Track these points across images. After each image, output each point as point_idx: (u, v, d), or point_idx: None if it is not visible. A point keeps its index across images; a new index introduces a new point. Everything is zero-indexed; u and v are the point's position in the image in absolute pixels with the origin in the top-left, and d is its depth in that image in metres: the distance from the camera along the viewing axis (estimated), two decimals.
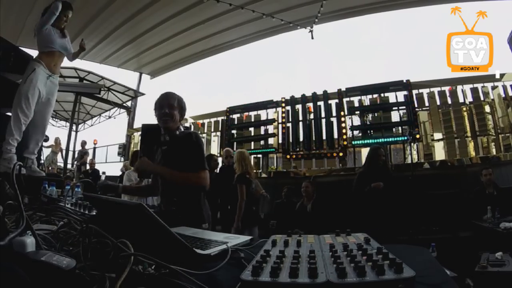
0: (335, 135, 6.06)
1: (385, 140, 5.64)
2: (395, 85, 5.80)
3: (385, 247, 0.60)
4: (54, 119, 10.71)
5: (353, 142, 5.81)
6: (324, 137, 6.12)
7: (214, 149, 7.33)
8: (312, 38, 6.89)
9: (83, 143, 8.90)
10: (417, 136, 5.40)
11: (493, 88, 5.28)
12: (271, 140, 6.62)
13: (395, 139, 5.66)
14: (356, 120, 5.94)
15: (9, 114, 2.63)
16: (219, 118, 7.39)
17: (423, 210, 4.13)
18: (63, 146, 8.61)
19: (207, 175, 1.66)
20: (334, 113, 6.16)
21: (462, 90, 5.53)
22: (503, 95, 5.14)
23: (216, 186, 3.32)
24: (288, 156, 6.28)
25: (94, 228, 0.67)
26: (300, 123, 6.33)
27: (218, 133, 7.37)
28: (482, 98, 5.36)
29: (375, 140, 5.67)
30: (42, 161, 3.62)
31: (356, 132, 5.92)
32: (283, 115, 6.52)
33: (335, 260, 0.53)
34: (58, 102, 9.50)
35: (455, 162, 5.05)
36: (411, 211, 3.97)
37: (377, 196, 3.47)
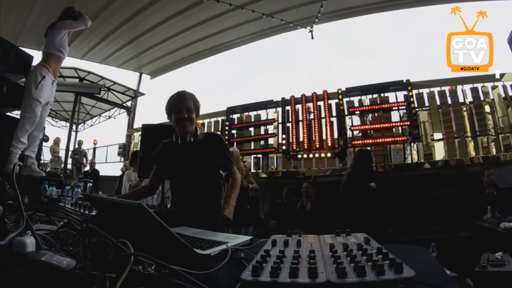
0: (335, 135, 6.06)
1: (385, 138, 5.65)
2: (395, 85, 5.80)
3: (385, 247, 0.60)
4: (54, 119, 10.71)
5: (353, 142, 5.82)
6: (324, 137, 6.12)
7: None
8: (312, 38, 6.90)
9: (80, 143, 8.88)
10: (417, 136, 5.40)
11: (493, 88, 5.28)
12: (271, 140, 6.62)
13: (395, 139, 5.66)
14: (356, 120, 5.95)
15: (9, 114, 2.65)
16: (219, 118, 7.39)
17: (423, 210, 4.13)
18: (63, 146, 8.61)
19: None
20: (334, 113, 6.17)
21: (462, 90, 5.54)
22: (503, 95, 5.14)
23: None
24: (288, 156, 6.28)
25: (94, 228, 0.67)
26: (300, 123, 6.33)
27: (218, 133, 7.37)
28: (482, 98, 5.36)
29: (375, 140, 5.68)
30: (42, 161, 3.63)
31: (356, 132, 5.92)
32: (283, 115, 6.52)
33: (335, 260, 0.53)
34: (58, 102, 9.51)
35: (455, 162, 5.05)
36: (411, 211, 3.97)
37: (367, 197, 3.51)
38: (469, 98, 5.45)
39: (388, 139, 5.67)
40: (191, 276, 0.54)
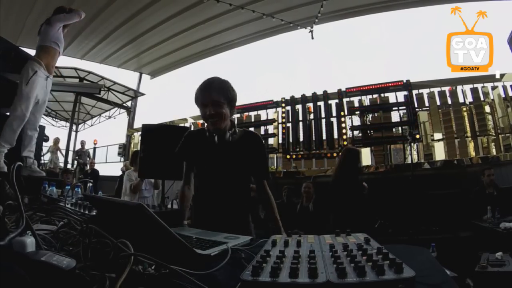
0: (335, 135, 6.06)
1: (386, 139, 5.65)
2: (395, 85, 5.80)
3: (385, 247, 0.60)
4: (54, 119, 10.71)
5: (353, 142, 5.82)
6: (324, 137, 6.12)
7: None
8: (312, 38, 6.90)
9: (83, 143, 8.90)
10: (417, 136, 5.40)
11: (493, 88, 5.29)
12: (271, 140, 6.62)
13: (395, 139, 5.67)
14: (356, 120, 5.95)
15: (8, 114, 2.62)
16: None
17: (423, 210, 4.13)
18: (63, 146, 8.61)
19: None
20: (334, 113, 6.17)
21: (462, 90, 5.54)
22: (503, 95, 5.15)
23: None
24: (288, 156, 6.28)
25: (94, 228, 0.67)
26: (300, 123, 6.34)
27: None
28: (482, 98, 5.36)
29: (375, 140, 5.68)
30: (42, 161, 3.63)
31: (356, 132, 5.92)
32: (283, 115, 6.52)
33: (335, 260, 0.53)
34: (58, 102, 9.51)
35: (455, 162, 5.05)
36: (411, 211, 3.97)
37: (362, 196, 3.53)
38: (469, 98, 5.46)
39: (388, 139, 5.68)
40: (191, 276, 0.54)
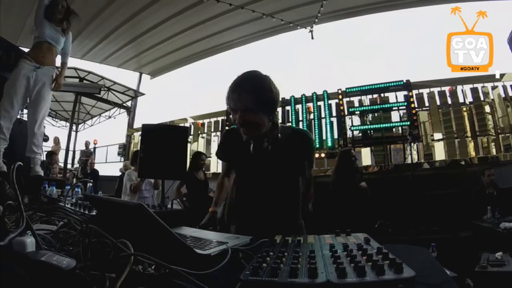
0: (335, 135, 6.06)
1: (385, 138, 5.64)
2: (395, 85, 5.80)
3: (385, 247, 0.60)
4: (54, 119, 10.71)
5: (353, 142, 5.81)
6: (324, 137, 6.12)
7: (214, 149, 7.33)
8: (312, 38, 6.89)
9: (87, 143, 8.92)
10: (417, 136, 5.40)
11: (493, 88, 5.29)
12: None
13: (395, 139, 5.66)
14: (356, 120, 5.95)
15: None
16: (219, 118, 7.39)
17: (423, 210, 4.14)
18: (63, 146, 8.61)
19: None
20: (334, 113, 6.17)
21: (462, 90, 5.54)
22: (503, 95, 5.15)
23: None
24: None
25: (94, 228, 0.67)
26: (300, 123, 6.33)
27: (218, 133, 7.37)
28: (482, 98, 5.36)
29: (375, 140, 5.68)
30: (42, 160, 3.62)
31: (356, 132, 5.92)
32: (283, 115, 6.52)
33: (335, 260, 0.53)
34: (58, 102, 9.50)
35: (455, 162, 5.05)
36: (411, 211, 3.97)
37: (361, 196, 3.59)
38: (469, 98, 5.46)
39: (388, 139, 5.67)
40: (191, 276, 0.54)
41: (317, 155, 6.03)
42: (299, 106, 6.44)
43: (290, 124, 6.37)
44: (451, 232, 3.92)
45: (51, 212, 1.00)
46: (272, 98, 1.11)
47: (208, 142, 7.50)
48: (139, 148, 3.42)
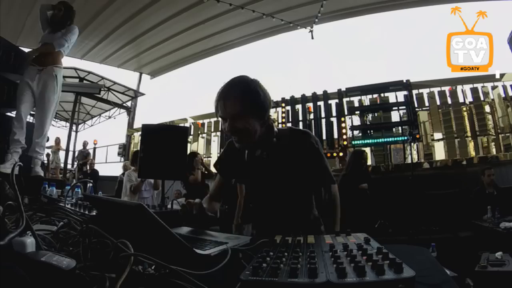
0: (335, 135, 6.06)
1: (385, 140, 5.64)
2: (395, 85, 5.80)
3: (385, 247, 0.60)
4: (54, 119, 10.70)
5: (353, 142, 5.81)
6: (324, 137, 6.12)
7: (214, 149, 7.33)
8: (312, 38, 6.90)
9: (85, 143, 8.91)
10: (417, 136, 5.40)
11: (493, 88, 5.29)
12: None
13: (395, 139, 5.66)
14: (356, 120, 5.95)
15: (9, 114, 2.64)
16: (219, 118, 7.38)
17: (423, 210, 4.13)
18: (63, 146, 8.60)
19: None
20: (334, 113, 6.17)
21: (462, 90, 5.55)
22: (503, 95, 5.15)
23: None
24: None
25: (94, 228, 0.67)
26: (300, 123, 6.33)
27: (218, 133, 7.37)
28: (482, 98, 5.37)
29: (375, 140, 5.67)
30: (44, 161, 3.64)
31: (356, 132, 5.92)
32: (283, 115, 6.52)
33: (335, 260, 0.53)
34: (58, 102, 9.50)
35: (455, 162, 5.05)
36: (411, 211, 3.97)
37: (361, 197, 3.63)
38: (469, 98, 5.47)
39: (388, 139, 5.68)
40: (191, 276, 0.54)
41: None
42: (299, 106, 6.44)
43: (290, 124, 6.37)
44: (451, 232, 3.91)
45: (51, 213, 1.00)
46: (260, 101, 1.08)
47: (208, 142, 7.50)
48: (139, 148, 3.42)
